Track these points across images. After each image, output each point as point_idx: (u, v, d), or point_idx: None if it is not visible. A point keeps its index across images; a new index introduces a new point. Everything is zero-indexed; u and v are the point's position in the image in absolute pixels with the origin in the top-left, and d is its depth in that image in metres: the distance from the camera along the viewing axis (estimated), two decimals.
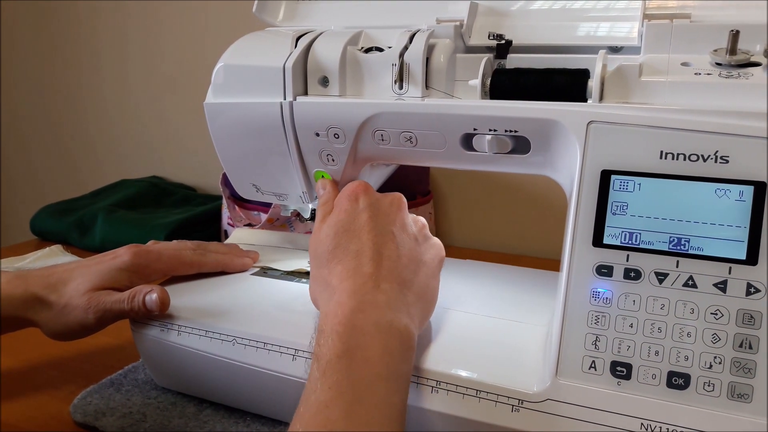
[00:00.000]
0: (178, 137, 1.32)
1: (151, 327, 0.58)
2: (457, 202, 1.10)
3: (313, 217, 0.66)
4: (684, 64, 0.47)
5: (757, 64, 0.46)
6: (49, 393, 0.62)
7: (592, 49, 0.50)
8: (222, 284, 0.63)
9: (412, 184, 0.96)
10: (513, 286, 0.62)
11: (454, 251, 1.08)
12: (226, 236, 0.97)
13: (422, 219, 0.54)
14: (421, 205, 0.95)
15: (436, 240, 0.54)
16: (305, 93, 0.56)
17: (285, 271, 0.66)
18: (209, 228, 1.04)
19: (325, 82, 0.55)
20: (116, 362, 0.67)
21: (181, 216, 1.04)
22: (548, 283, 0.55)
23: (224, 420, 0.57)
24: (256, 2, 0.62)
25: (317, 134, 0.56)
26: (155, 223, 1.01)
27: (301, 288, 0.62)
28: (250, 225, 0.90)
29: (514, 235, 1.07)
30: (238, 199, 0.93)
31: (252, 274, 0.65)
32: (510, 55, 0.54)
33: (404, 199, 0.52)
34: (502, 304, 0.58)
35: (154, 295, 0.56)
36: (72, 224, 1.07)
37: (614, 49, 0.53)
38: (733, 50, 0.46)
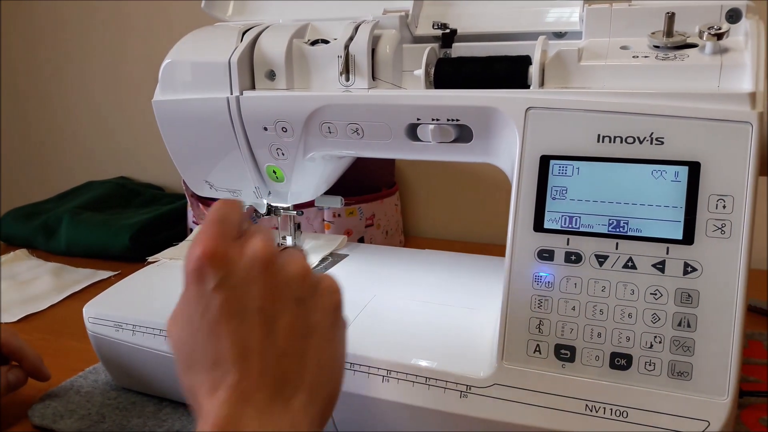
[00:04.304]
0: (144, 137, 1.31)
1: (106, 327, 0.58)
2: (423, 194, 1.10)
3: (269, 212, 0.65)
4: (623, 47, 0.47)
5: (693, 46, 0.46)
6: (9, 397, 0.61)
7: (537, 36, 0.50)
8: (176, 285, 0.63)
9: (377, 176, 0.96)
10: (468, 273, 0.62)
11: (421, 242, 1.09)
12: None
13: (299, 255, 0.40)
14: (387, 197, 0.95)
15: (326, 281, 0.41)
16: (252, 87, 0.55)
17: None
18: (175, 227, 1.03)
19: (272, 75, 0.55)
20: (78, 364, 0.66)
21: (147, 216, 1.03)
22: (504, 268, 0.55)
23: (183, 418, 0.57)
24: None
25: (265, 128, 0.55)
26: (120, 224, 1.00)
27: None
28: None
29: (481, 223, 1.07)
30: (200, 198, 0.93)
31: None
32: (456, 44, 0.54)
33: (269, 246, 0.38)
34: (456, 292, 0.58)
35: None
36: (37, 228, 1.06)
37: (558, 35, 0.53)
38: (669, 32, 0.46)
